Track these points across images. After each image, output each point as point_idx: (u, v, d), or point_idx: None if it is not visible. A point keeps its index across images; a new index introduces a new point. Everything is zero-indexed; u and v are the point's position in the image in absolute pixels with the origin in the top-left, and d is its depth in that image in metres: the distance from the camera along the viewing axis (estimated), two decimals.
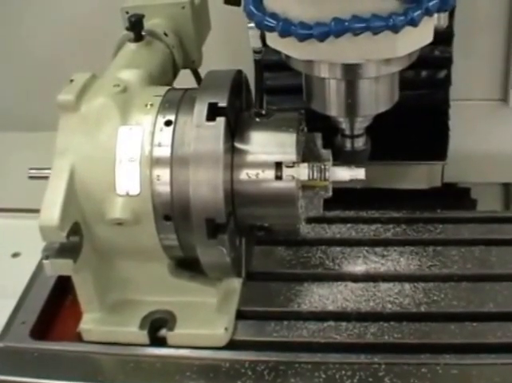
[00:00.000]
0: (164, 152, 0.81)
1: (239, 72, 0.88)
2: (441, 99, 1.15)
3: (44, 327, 0.95)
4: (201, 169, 0.78)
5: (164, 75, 0.96)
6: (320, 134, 0.89)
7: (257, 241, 0.97)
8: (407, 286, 0.94)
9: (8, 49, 1.52)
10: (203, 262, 0.84)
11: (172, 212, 0.82)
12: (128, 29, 0.94)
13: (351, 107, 0.89)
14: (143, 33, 0.96)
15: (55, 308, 0.98)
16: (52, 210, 0.79)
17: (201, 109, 0.80)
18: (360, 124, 0.94)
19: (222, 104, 0.80)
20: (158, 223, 0.83)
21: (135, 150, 0.81)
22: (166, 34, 0.99)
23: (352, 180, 0.87)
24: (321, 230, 1.05)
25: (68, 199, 0.80)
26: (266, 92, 1.16)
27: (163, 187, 0.81)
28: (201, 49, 1.09)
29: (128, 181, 0.81)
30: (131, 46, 0.95)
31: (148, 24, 0.99)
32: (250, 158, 0.82)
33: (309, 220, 0.98)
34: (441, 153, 1.18)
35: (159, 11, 1.03)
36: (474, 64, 1.18)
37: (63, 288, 0.98)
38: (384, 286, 0.94)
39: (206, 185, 0.78)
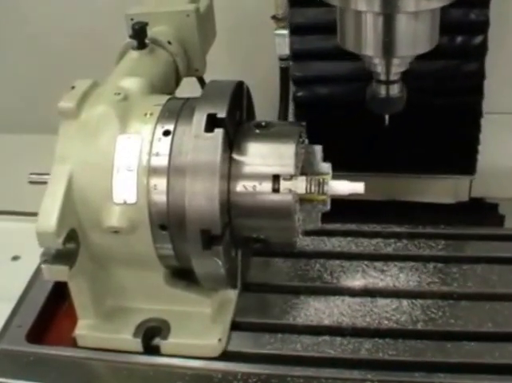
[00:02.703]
0: (162, 161, 0.83)
1: (240, 83, 0.90)
2: (475, 70, 1.11)
3: (40, 331, 0.98)
4: (197, 180, 0.80)
5: (166, 84, 0.98)
6: (320, 147, 0.91)
7: (256, 252, 0.99)
8: (404, 302, 0.95)
9: (13, 49, 1.54)
10: (198, 273, 0.86)
11: (168, 222, 0.84)
12: (131, 36, 0.96)
13: (388, 45, 0.87)
14: (146, 41, 0.98)
15: (52, 312, 1.00)
16: (49, 216, 0.82)
17: (200, 120, 0.82)
18: (397, 67, 0.92)
19: (221, 115, 0.82)
20: (154, 232, 0.85)
21: (133, 159, 0.84)
22: (169, 43, 1.02)
23: (351, 194, 0.88)
24: (321, 243, 1.07)
25: (65, 206, 0.83)
26: (293, 58, 1.16)
27: (160, 197, 0.83)
28: (205, 57, 1.11)
29: (125, 190, 0.84)
30: (134, 54, 0.97)
31: (152, 32, 1.02)
32: (247, 170, 0.84)
33: (309, 232, 1.01)
34: (469, 167, 1.19)
35: (164, 19, 1.06)
36: (504, 75, 1.18)
37: (61, 292, 1.00)
38: (381, 301, 0.96)
39: (202, 196, 0.80)
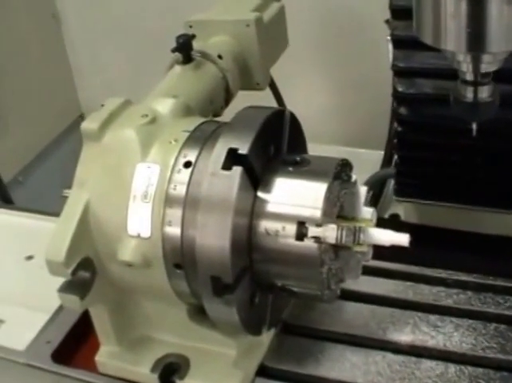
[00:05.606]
0: (178, 195, 0.79)
1: (280, 111, 0.83)
2: None
3: (67, 351, 0.97)
4: (209, 223, 0.75)
5: (210, 102, 0.93)
6: (365, 188, 0.83)
7: None
8: (452, 368, 0.86)
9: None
10: (212, 318, 0.82)
11: (182, 262, 0.80)
12: (173, 50, 0.91)
13: (473, 38, 0.74)
14: (193, 55, 0.93)
15: (83, 333, 0.98)
16: (60, 245, 0.80)
17: (219, 155, 0.76)
18: (486, 66, 0.79)
19: (243, 151, 0.76)
20: (168, 269, 0.81)
21: (149, 191, 0.80)
22: (220, 56, 0.96)
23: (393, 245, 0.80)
24: (377, 285, 0.99)
25: (79, 234, 0.81)
26: (395, 46, 1.05)
27: (174, 234, 0.79)
28: (268, 70, 1.05)
29: (140, 223, 0.80)
30: (177, 69, 0.93)
31: (207, 43, 0.97)
32: (270, 211, 0.78)
33: (367, 271, 0.93)
34: None
35: (223, 28, 1.01)
36: None
37: None
38: (426, 363, 0.87)
39: (212, 243, 0.75)
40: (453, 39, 0.76)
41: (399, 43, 1.05)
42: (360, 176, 1.23)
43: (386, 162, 1.32)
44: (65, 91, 1.83)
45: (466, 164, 1.10)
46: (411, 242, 0.79)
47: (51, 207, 1.02)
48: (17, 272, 1.11)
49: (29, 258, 1.14)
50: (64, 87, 1.82)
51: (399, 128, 1.11)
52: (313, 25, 1.44)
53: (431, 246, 1.13)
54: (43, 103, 1.71)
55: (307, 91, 1.56)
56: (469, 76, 0.81)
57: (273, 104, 1.24)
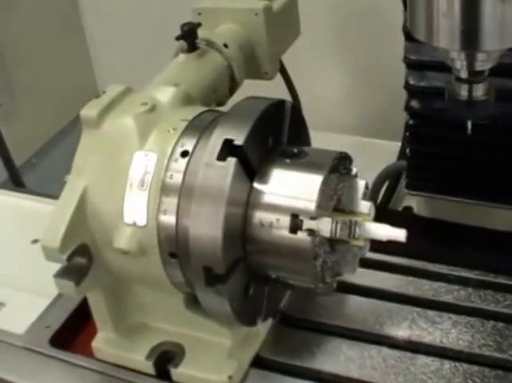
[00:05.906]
0: (174, 185, 0.79)
1: (280, 102, 0.83)
2: None
3: (65, 336, 0.98)
4: (202, 215, 0.75)
5: (213, 91, 0.93)
6: (364, 182, 0.83)
7: None
8: (447, 365, 0.86)
9: None
10: (205, 308, 0.82)
11: (177, 251, 0.80)
12: (177, 38, 0.92)
13: (466, 36, 0.73)
14: (198, 43, 0.93)
15: (82, 318, 0.99)
16: (55, 231, 0.81)
17: (215, 145, 0.77)
18: (481, 64, 0.78)
19: (238, 142, 0.76)
20: (164, 258, 0.81)
21: (146, 179, 0.80)
22: (226, 45, 0.96)
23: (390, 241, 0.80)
24: (378, 279, 0.99)
25: (76, 220, 0.82)
26: (406, 39, 1.02)
27: (169, 223, 0.79)
28: (277, 59, 1.04)
29: (136, 211, 0.80)
30: (181, 58, 0.93)
31: (214, 31, 0.97)
32: (265, 203, 0.78)
33: (370, 264, 0.94)
34: None
35: (232, 16, 1.00)
36: None
37: None
38: (421, 359, 0.87)
39: (205, 233, 0.75)
40: (446, 37, 0.75)
41: (410, 35, 1.04)
42: (377, 167, 1.24)
43: (402, 154, 1.31)
44: (82, 74, 1.83)
45: (476, 159, 1.09)
46: (410, 236, 0.79)
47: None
48: (21, 256, 1.12)
49: (35, 241, 1.15)
50: (81, 70, 1.82)
51: (411, 121, 1.10)
52: (326, 13, 1.43)
53: (441, 240, 1.13)
54: (60, 85, 1.72)
55: (322, 79, 1.55)
56: (463, 74, 0.80)
57: (285, 93, 1.24)
